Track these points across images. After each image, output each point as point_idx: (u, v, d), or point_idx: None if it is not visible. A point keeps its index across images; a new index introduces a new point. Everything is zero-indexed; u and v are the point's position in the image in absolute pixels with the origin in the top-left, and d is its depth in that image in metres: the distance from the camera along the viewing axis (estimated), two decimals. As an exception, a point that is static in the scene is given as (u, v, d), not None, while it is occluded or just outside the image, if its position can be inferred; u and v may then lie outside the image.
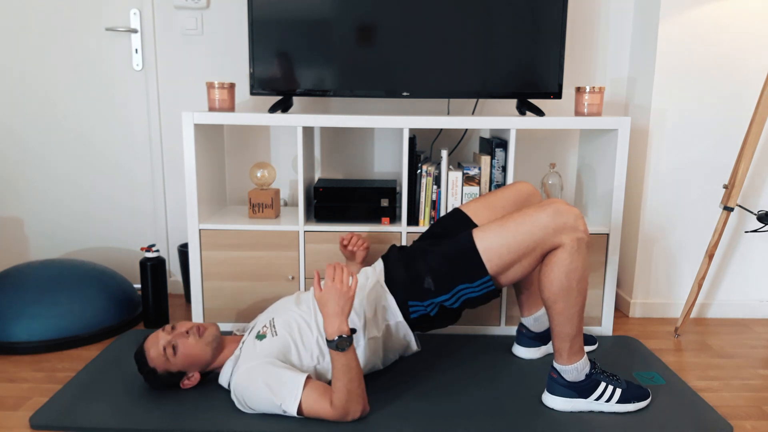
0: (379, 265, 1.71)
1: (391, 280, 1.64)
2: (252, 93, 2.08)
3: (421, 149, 2.45)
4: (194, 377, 1.64)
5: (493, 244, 1.53)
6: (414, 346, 1.69)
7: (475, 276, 1.55)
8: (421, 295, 1.59)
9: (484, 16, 2.03)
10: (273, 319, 1.63)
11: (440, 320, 1.64)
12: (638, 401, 1.59)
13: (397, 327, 1.64)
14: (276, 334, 1.57)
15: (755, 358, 1.97)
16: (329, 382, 1.54)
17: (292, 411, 1.45)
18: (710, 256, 2.09)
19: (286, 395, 1.45)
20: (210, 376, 1.69)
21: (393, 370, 1.80)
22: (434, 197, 2.05)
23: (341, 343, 1.43)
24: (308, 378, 1.48)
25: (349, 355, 1.44)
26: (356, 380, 1.45)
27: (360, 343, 1.61)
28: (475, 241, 1.55)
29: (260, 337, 1.59)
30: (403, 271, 1.63)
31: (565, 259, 1.49)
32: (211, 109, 2.06)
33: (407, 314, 1.61)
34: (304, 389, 1.45)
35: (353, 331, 1.47)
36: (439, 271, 1.58)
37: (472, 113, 2.42)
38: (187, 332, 1.59)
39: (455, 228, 1.72)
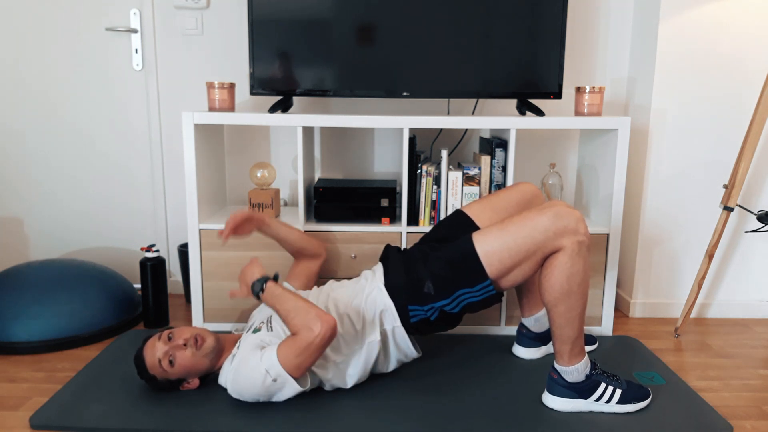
0: (379, 268, 1.70)
1: (390, 285, 1.62)
2: (252, 93, 2.08)
3: (421, 149, 2.45)
4: (194, 382, 1.65)
5: (493, 248, 1.52)
6: (414, 352, 1.68)
7: (475, 280, 1.54)
8: (421, 300, 1.58)
9: (484, 16, 2.03)
10: (270, 316, 1.65)
11: (440, 324, 1.63)
12: (638, 401, 1.59)
13: (393, 331, 1.63)
14: (271, 330, 1.60)
15: (755, 358, 1.97)
16: (326, 375, 1.60)
17: (278, 370, 1.46)
18: (710, 256, 2.09)
19: (266, 355, 1.48)
20: (210, 377, 1.69)
21: (393, 370, 1.80)
22: (434, 197, 2.05)
23: (254, 288, 1.53)
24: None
25: (269, 290, 1.52)
26: (290, 300, 1.50)
27: (359, 348, 1.62)
28: (475, 245, 1.53)
29: (256, 331, 1.61)
30: (403, 276, 1.61)
31: (566, 263, 1.48)
32: (211, 109, 2.06)
33: (407, 318, 1.60)
34: (278, 348, 1.48)
35: (275, 277, 1.57)
36: (439, 275, 1.56)
37: (472, 113, 2.42)
38: (185, 344, 1.58)
39: (457, 230, 1.71)
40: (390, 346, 1.66)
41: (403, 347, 1.66)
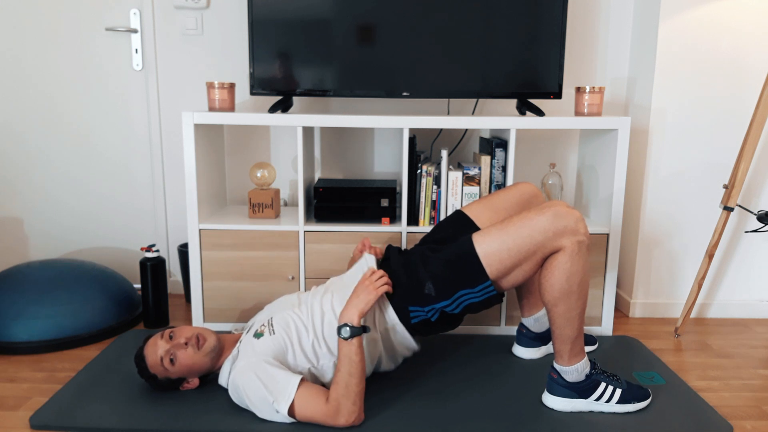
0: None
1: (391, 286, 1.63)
2: (252, 93, 2.08)
3: (421, 149, 2.45)
4: (194, 382, 1.65)
5: (493, 249, 1.52)
6: (413, 344, 1.68)
7: (475, 281, 1.53)
8: (422, 301, 1.58)
9: (484, 15, 2.03)
10: (271, 318, 1.63)
11: (441, 325, 1.62)
12: (638, 401, 1.59)
13: (394, 330, 1.63)
14: (273, 333, 1.58)
15: (755, 358, 1.97)
16: (325, 386, 1.55)
17: (283, 410, 1.44)
18: (710, 256, 2.09)
19: (280, 392, 1.45)
20: (209, 377, 1.69)
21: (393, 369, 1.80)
22: (434, 197, 2.05)
23: (343, 330, 1.48)
24: (303, 379, 1.48)
25: (352, 347, 1.47)
26: (356, 375, 1.46)
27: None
28: (475, 245, 1.53)
29: (258, 335, 1.59)
30: (404, 277, 1.61)
31: (566, 263, 1.48)
32: (211, 109, 2.06)
33: (407, 319, 1.60)
34: (298, 389, 1.45)
35: (364, 329, 1.50)
36: (439, 276, 1.56)
37: (472, 113, 2.42)
38: (186, 343, 1.58)
39: (457, 231, 1.71)
40: (391, 343, 1.65)
41: (404, 342, 1.66)
